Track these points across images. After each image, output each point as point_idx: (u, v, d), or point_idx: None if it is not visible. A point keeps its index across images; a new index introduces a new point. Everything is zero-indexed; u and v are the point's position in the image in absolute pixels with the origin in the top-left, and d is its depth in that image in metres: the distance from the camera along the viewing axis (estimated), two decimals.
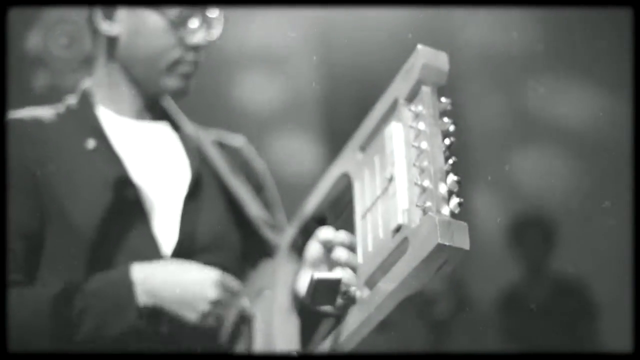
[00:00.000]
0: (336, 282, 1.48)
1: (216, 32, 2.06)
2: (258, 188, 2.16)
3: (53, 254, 1.89)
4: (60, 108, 2.05)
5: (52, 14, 5.60)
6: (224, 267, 1.95)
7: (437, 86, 1.35)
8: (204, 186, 2.06)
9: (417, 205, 1.24)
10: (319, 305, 1.52)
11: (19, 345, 1.77)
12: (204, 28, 2.04)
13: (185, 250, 1.95)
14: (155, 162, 2.05)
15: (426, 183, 1.23)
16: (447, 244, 1.19)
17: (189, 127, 2.16)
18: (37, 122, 2.02)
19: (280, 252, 1.87)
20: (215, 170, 2.09)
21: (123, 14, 2.04)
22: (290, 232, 1.87)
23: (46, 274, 1.89)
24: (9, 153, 1.92)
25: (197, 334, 1.84)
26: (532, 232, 5.36)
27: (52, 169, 1.94)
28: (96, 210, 1.91)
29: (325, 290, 1.48)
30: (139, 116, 2.09)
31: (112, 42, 2.06)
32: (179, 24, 2.02)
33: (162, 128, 2.12)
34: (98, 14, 2.04)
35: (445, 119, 1.30)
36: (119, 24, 2.05)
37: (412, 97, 1.37)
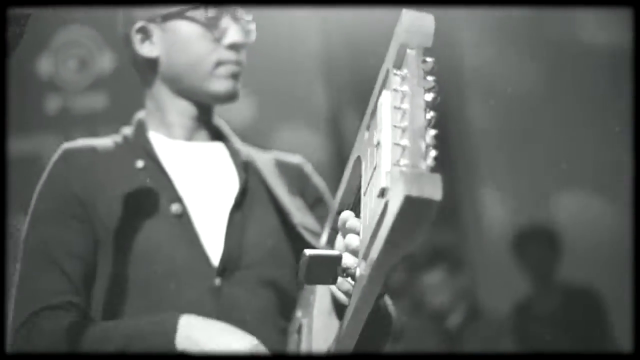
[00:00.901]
0: (333, 259, 1.45)
1: (252, 32, 2.06)
2: (316, 202, 2.14)
3: (104, 276, 1.89)
4: (116, 138, 2.05)
5: (62, 38, 5.67)
6: (277, 281, 1.96)
7: (422, 48, 1.31)
8: (253, 200, 2.05)
9: (394, 165, 1.21)
10: (315, 283, 1.49)
11: None
12: (238, 27, 2.03)
13: (232, 264, 1.94)
14: (205, 179, 2.05)
15: (404, 142, 1.20)
16: (414, 195, 1.14)
17: (240, 145, 2.14)
18: (90, 150, 1.99)
19: None
20: (266, 184, 2.08)
21: (157, 32, 2.05)
22: (325, 230, 1.86)
23: (98, 297, 1.89)
24: (61, 180, 1.93)
25: None
26: (538, 241, 5.37)
27: (102, 192, 1.94)
28: (144, 229, 1.90)
29: (321, 267, 1.43)
30: (191, 138, 2.08)
31: (153, 64, 2.06)
32: (211, 27, 2.01)
33: (214, 147, 2.11)
34: (136, 38, 2.04)
35: (429, 77, 1.27)
36: (157, 43, 2.04)
37: (400, 63, 1.33)
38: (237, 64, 2.04)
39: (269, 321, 1.93)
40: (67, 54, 5.80)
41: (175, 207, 1.96)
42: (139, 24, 2.05)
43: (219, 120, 2.16)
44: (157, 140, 2.06)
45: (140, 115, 2.10)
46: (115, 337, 1.79)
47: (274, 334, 1.92)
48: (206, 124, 2.12)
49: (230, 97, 2.04)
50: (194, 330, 1.77)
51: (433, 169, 1.18)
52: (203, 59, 2.01)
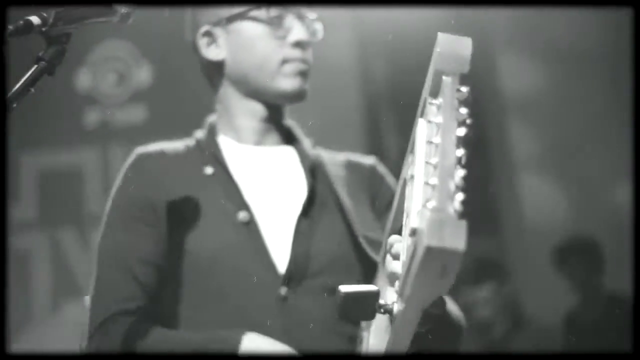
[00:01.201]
0: (370, 295, 1.41)
1: (318, 31, 2.05)
2: (390, 204, 2.12)
3: (173, 282, 1.91)
4: (189, 141, 2.06)
5: (100, 52, 5.70)
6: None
7: (458, 74, 1.26)
8: (320, 206, 2.02)
9: (423, 206, 1.16)
10: (352, 320, 1.45)
11: None
12: (302, 25, 2.02)
13: (298, 273, 1.92)
14: (272, 185, 2.03)
15: (433, 181, 1.15)
16: (435, 245, 1.10)
17: (309, 148, 2.12)
18: (161, 155, 2.01)
19: (378, 269, 1.80)
20: (334, 190, 2.05)
21: (222, 35, 2.05)
22: (382, 247, 1.82)
23: (167, 302, 1.91)
24: (132, 186, 1.96)
25: None
26: (582, 250, 5.31)
27: (171, 198, 1.94)
28: (211, 236, 1.91)
29: (357, 304, 1.40)
30: (260, 142, 2.07)
31: (219, 67, 2.06)
32: (275, 25, 2.01)
33: (283, 151, 2.09)
34: (202, 43, 2.08)
35: (462, 109, 1.21)
36: (222, 46, 2.05)
37: (436, 91, 1.28)
38: (304, 62, 2.03)
39: (334, 330, 1.90)
40: (105, 68, 5.83)
41: (242, 215, 1.95)
42: (204, 29, 2.07)
43: (290, 122, 2.14)
44: (226, 144, 2.06)
45: (211, 118, 2.10)
46: (183, 346, 1.80)
47: (340, 342, 1.90)
48: (276, 126, 2.10)
49: (297, 95, 2.03)
50: (254, 349, 1.76)
51: (460, 213, 1.13)
52: (268, 58, 2.01)
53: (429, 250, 1.11)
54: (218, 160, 2.01)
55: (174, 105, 5.83)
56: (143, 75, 5.85)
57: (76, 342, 4.10)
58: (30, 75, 1.48)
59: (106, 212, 1.94)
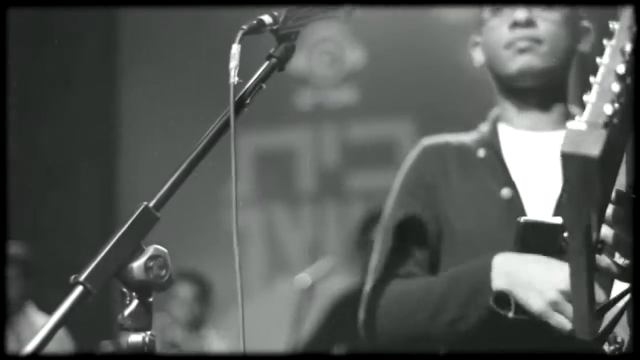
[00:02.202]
0: (551, 227, 1.40)
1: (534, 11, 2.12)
2: None
3: (437, 255, 2.04)
4: (473, 134, 2.17)
5: (314, 35, 5.81)
6: None
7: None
8: None
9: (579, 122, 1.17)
10: (531, 253, 1.42)
11: (387, 326, 1.97)
12: (521, 6, 2.07)
13: None
14: (541, 167, 2.07)
15: (589, 98, 1.16)
16: (568, 151, 1.11)
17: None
18: (444, 145, 2.13)
19: None
20: None
21: (480, 39, 2.16)
22: None
23: (431, 273, 2.04)
24: (416, 172, 2.11)
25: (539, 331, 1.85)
26: None
27: (447, 182, 2.07)
28: (474, 211, 2.01)
29: (537, 235, 1.37)
30: (534, 127, 2.12)
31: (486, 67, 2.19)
32: (498, 13, 2.09)
33: (556, 137, 2.08)
34: (474, 52, 2.18)
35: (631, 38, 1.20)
36: (481, 47, 2.16)
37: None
38: (526, 39, 2.05)
39: None
40: (319, 50, 5.94)
41: (505, 192, 2.01)
42: (473, 40, 2.16)
43: (570, 107, 2.16)
44: (503, 130, 2.13)
45: (495, 111, 2.16)
46: (437, 285, 1.92)
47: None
48: (544, 110, 2.13)
49: (523, 74, 2.05)
50: (510, 265, 1.83)
51: (606, 124, 1.12)
52: (496, 46, 2.08)
53: (563, 157, 1.12)
54: (491, 144, 2.09)
55: (386, 87, 5.88)
56: (356, 57, 5.92)
57: (287, 317, 4.23)
58: (262, 71, 1.54)
59: (394, 192, 2.09)
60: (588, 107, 1.15)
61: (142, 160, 5.94)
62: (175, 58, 6.00)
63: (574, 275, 1.28)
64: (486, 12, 2.11)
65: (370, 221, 4.53)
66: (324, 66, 5.97)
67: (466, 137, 2.15)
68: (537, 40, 2.04)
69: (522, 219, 1.45)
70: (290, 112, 5.91)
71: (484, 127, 2.15)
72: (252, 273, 5.72)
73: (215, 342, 4.81)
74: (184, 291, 4.76)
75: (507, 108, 2.13)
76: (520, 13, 2.04)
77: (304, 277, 4.24)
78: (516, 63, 2.04)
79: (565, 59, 2.07)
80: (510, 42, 2.05)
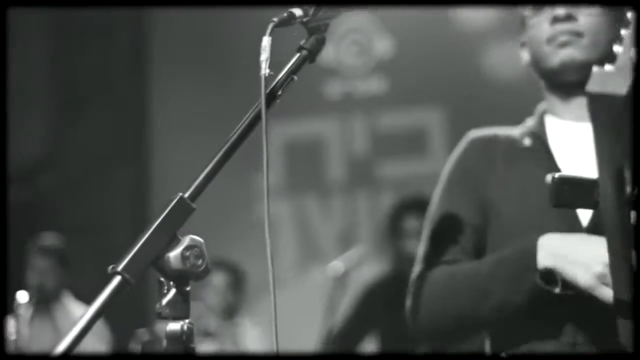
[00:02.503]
0: (586, 183, 1.40)
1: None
2: None
3: (491, 247, 2.07)
4: (521, 128, 2.20)
5: (343, 25, 5.82)
6: None
7: None
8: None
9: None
10: (567, 207, 1.43)
11: (436, 312, 2.01)
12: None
13: (601, 227, 1.98)
14: (586, 156, 2.10)
15: (617, 48, 1.17)
16: (594, 90, 1.11)
17: None
18: (492, 137, 2.19)
19: None
20: None
21: (525, 37, 2.21)
22: None
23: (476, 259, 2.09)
24: (463, 163, 2.15)
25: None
26: None
27: (493, 170, 2.11)
28: (519, 198, 2.04)
29: (571, 191, 1.38)
30: (580, 118, 2.13)
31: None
32: (539, 11, 2.12)
33: None
34: (522, 52, 2.20)
35: None
36: (526, 45, 2.20)
37: None
38: (567, 33, 2.07)
39: None
40: (348, 40, 5.95)
41: (549, 178, 2.05)
42: (520, 40, 2.19)
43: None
44: (550, 122, 2.17)
45: (542, 105, 2.21)
46: (483, 268, 1.96)
47: None
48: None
49: (568, 66, 2.08)
50: (556, 244, 1.89)
51: (635, 69, 1.13)
52: (538, 42, 2.11)
53: (590, 97, 1.12)
54: (538, 134, 2.13)
55: (415, 76, 5.89)
56: (384, 46, 5.93)
57: (320, 305, 4.25)
58: (293, 63, 1.56)
59: (442, 181, 2.14)
60: (617, 55, 1.15)
61: (174, 157, 6.00)
62: (206, 55, 6.04)
63: (609, 231, 1.28)
64: (527, 10, 2.14)
65: (401, 209, 4.55)
66: (353, 56, 5.98)
67: (514, 130, 2.19)
68: (578, 34, 2.07)
69: (556, 174, 1.48)
70: (320, 102, 5.93)
71: (531, 121, 2.19)
72: (285, 262, 5.76)
73: (249, 330, 4.85)
74: (218, 280, 4.80)
75: (553, 101, 2.16)
76: (561, 9, 2.07)
77: (337, 265, 4.27)
78: (558, 57, 2.07)
79: (607, 50, 2.08)
80: (552, 37, 2.08)
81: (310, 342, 4.28)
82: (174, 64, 6.16)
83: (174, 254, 1.36)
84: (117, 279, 1.33)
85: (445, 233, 2.08)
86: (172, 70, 6.17)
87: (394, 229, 4.47)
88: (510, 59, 4.52)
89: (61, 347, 1.29)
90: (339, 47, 5.92)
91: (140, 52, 6.28)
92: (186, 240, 1.37)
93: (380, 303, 4.39)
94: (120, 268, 1.32)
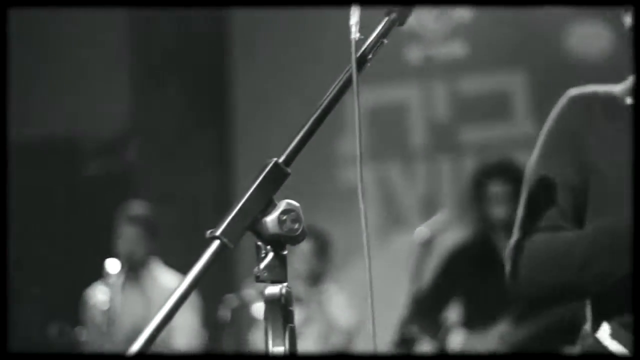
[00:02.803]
0: None
1: None
2: None
3: (593, 207, 2.05)
4: (622, 85, 2.19)
5: None
6: None
7: None
8: None
9: None
10: None
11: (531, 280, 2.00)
12: None
13: None
14: None
15: None
16: None
17: None
18: (592, 94, 2.14)
19: None
20: None
21: None
22: None
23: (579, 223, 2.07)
24: (563, 121, 2.12)
25: None
26: None
27: (593, 128, 2.09)
28: (618, 157, 2.02)
29: None
30: None
31: None
32: None
33: None
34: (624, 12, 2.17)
35: None
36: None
37: None
38: None
39: None
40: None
41: None
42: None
43: None
44: None
45: None
46: (584, 238, 1.95)
47: None
48: None
49: None
50: None
51: None
52: None
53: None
54: None
55: (495, 40, 5.82)
56: (464, 10, 5.87)
57: (404, 271, 4.26)
58: (382, 27, 1.56)
59: (540, 142, 2.11)
60: None
61: (255, 124, 6.05)
62: (287, 20, 6.05)
63: None
64: None
65: (485, 174, 4.52)
66: (432, 20, 5.93)
67: (614, 88, 2.15)
68: None
69: None
70: (401, 68, 5.91)
71: (632, 79, 2.14)
72: (369, 228, 5.76)
73: (335, 297, 4.88)
74: (304, 247, 4.83)
75: None
76: None
77: (423, 231, 4.27)
78: None
79: None
80: None
81: (397, 308, 4.29)
82: (255, 31, 6.17)
83: (270, 218, 1.37)
84: (215, 243, 1.34)
85: (544, 196, 2.05)
86: (253, 37, 6.20)
87: (478, 194, 4.44)
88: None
89: (162, 312, 1.30)
90: (418, 11, 5.88)
91: (221, 19, 6.32)
92: (283, 205, 1.38)
93: (465, 268, 4.38)
94: (218, 232, 1.33)
